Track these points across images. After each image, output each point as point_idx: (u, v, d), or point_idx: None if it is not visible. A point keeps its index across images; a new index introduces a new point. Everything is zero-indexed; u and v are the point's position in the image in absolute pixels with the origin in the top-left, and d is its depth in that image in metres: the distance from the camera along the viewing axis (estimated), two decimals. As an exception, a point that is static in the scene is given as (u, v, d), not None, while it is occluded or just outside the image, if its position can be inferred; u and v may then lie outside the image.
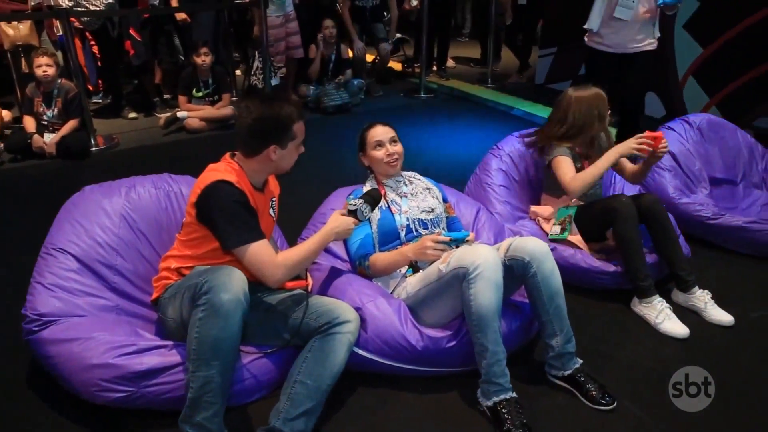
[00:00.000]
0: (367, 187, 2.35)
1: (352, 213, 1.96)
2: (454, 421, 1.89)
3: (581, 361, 2.02)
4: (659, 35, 3.59)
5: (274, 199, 2.05)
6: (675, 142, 3.30)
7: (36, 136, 4.22)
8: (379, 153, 2.29)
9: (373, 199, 2.02)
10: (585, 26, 3.63)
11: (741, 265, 2.87)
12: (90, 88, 5.71)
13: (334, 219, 1.93)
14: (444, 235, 1.98)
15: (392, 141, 2.29)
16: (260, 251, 1.78)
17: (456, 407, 1.95)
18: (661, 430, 1.86)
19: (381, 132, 2.30)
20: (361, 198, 1.99)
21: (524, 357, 2.18)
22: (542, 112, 5.44)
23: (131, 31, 5.13)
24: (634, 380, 2.08)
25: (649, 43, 3.59)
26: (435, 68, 7.04)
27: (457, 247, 2.00)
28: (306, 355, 1.81)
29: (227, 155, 1.93)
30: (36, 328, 1.93)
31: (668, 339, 2.31)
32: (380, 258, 2.17)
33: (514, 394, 1.86)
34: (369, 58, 6.62)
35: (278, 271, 1.80)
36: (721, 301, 2.55)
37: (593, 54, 3.67)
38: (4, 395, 2.01)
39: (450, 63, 7.34)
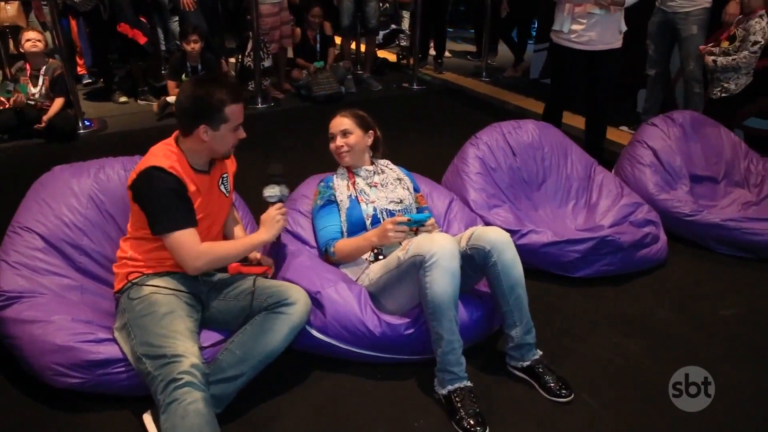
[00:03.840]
0: (337, 174, 2.35)
1: (269, 202, 1.98)
2: (410, 409, 1.89)
3: (540, 353, 2.02)
4: (625, 29, 3.51)
5: (225, 175, 2.03)
6: (657, 138, 3.29)
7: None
8: (331, 145, 2.32)
9: (273, 176, 2.01)
10: (554, 27, 3.56)
11: (716, 263, 2.86)
12: (80, 70, 5.70)
13: (261, 221, 1.97)
14: (404, 216, 1.98)
15: (343, 133, 2.28)
16: (183, 240, 1.79)
17: (413, 395, 1.95)
18: (617, 424, 1.86)
19: (334, 124, 2.32)
20: (268, 184, 2.00)
21: (486, 347, 2.18)
22: (535, 106, 5.42)
23: (141, 18, 5.08)
24: (594, 374, 2.08)
25: (618, 41, 3.51)
26: (433, 57, 6.98)
27: (417, 229, 2.01)
28: (246, 327, 1.85)
29: (172, 136, 1.93)
30: (0, 305, 1.94)
31: (633, 334, 2.31)
32: (345, 243, 2.17)
33: (469, 383, 1.86)
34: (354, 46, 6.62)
35: (197, 262, 1.82)
36: (692, 298, 2.56)
37: (561, 52, 3.57)
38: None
39: (446, 54, 7.31)
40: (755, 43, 3.55)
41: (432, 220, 2.08)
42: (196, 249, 1.81)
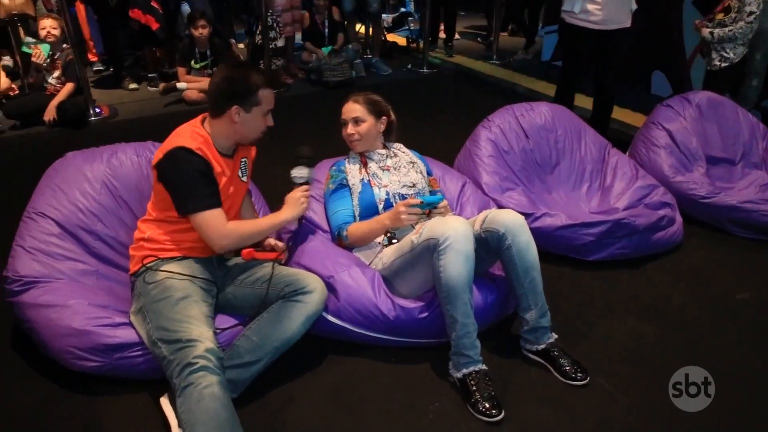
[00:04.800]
0: (349, 158, 2.34)
1: (296, 183, 1.99)
2: (425, 392, 1.89)
3: (556, 336, 2.01)
4: (635, 8, 3.51)
5: (244, 160, 2.04)
6: (672, 120, 3.24)
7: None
8: (343, 131, 2.29)
9: (303, 158, 2.01)
10: (564, 8, 3.53)
11: (734, 246, 2.82)
12: (91, 57, 5.71)
13: (285, 200, 1.98)
14: (417, 198, 1.97)
15: (354, 121, 2.25)
16: (210, 219, 1.81)
17: (427, 378, 1.95)
18: (632, 406, 1.85)
19: (346, 110, 2.27)
20: (297, 165, 2.00)
21: (500, 330, 2.17)
22: (547, 89, 5.35)
23: (153, 4, 5.04)
24: (609, 357, 2.06)
25: (629, 19, 3.49)
26: (443, 41, 6.91)
27: (430, 212, 2.00)
28: (263, 314, 1.86)
29: (198, 118, 1.94)
30: (17, 289, 1.96)
31: (648, 318, 2.29)
32: (358, 226, 2.16)
33: (484, 366, 1.85)
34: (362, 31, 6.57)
35: (224, 240, 1.84)
36: (708, 282, 2.53)
37: (574, 32, 3.54)
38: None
39: (456, 37, 7.23)
40: (751, 13, 3.59)
41: (445, 203, 2.06)
42: (224, 228, 1.83)
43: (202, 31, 4.75)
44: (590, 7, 3.40)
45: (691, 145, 3.18)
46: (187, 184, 1.80)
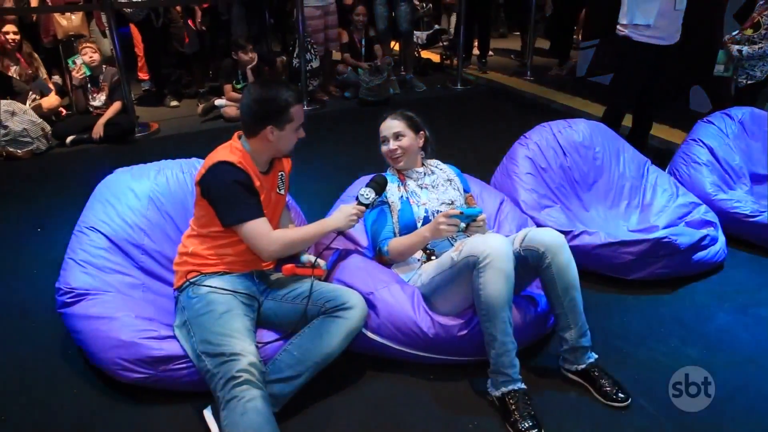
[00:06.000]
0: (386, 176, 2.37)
1: (358, 201, 2.01)
2: (463, 410, 1.89)
3: (596, 356, 1.99)
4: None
5: (281, 174, 2.09)
6: (714, 136, 3.19)
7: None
8: (384, 148, 2.31)
9: (377, 184, 2.06)
10: (637, 22, 3.38)
11: (779, 266, 2.75)
12: (143, 76, 5.93)
13: (338, 209, 2.01)
14: (456, 209, 1.98)
15: (396, 136, 2.26)
16: (255, 228, 1.86)
17: (466, 396, 1.95)
18: (675, 430, 1.81)
19: (386, 126, 2.30)
20: (367, 185, 2.02)
21: (539, 349, 2.16)
22: (582, 105, 5.32)
23: (189, 22, 5.26)
24: (651, 379, 2.02)
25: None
26: (476, 55, 6.94)
27: (468, 225, 2.00)
28: (305, 329, 1.89)
29: (235, 135, 2.00)
30: (69, 300, 2.04)
31: (691, 339, 2.24)
32: (399, 241, 2.17)
33: (523, 386, 1.84)
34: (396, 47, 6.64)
35: (272, 246, 1.88)
36: (753, 303, 2.47)
37: (640, 49, 3.43)
38: (39, 363, 2.12)
39: (489, 53, 7.25)
40: None
41: (483, 216, 2.07)
42: (269, 236, 1.88)
43: (252, 56, 4.88)
44: (660, 23, 3.36)
45: (734, 162, 3.12)
46: (230, 195, 1.85)
